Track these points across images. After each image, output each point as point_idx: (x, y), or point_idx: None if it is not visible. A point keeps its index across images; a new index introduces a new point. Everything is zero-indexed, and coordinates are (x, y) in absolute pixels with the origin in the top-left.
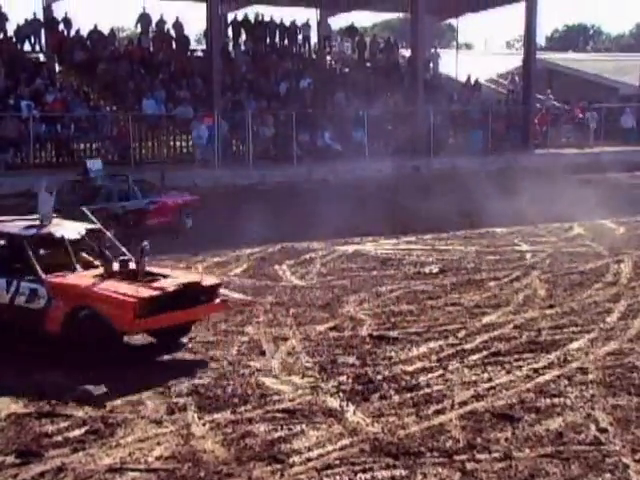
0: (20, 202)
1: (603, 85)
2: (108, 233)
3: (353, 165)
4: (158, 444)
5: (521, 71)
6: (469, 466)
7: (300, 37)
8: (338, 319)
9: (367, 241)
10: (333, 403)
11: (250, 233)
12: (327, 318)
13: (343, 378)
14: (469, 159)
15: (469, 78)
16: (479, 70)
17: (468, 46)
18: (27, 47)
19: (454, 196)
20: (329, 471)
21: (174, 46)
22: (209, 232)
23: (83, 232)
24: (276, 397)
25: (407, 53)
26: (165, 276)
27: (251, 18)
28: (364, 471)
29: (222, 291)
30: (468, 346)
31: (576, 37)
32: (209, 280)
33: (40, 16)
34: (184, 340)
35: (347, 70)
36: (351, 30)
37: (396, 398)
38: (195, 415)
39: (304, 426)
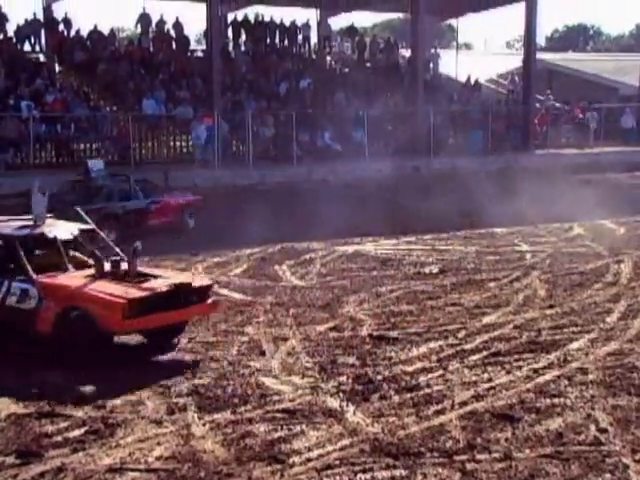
0: (20, 202)
1: (603, 85)
2: (102, 233)
3: (353, 165)
4: (158, 444)
5: (521, 71)
6: (469, 466)
7: (300, 37)
8: (338, 319)
9: (367, 241)
10: (333, 403)
11: (250, 233)
12: (327, 318)
13: (343, 378)
14: (469, 159)
15: (469, 78)
16: (479, 70)
17: (468, 46)
18: (27, 47)
19: (454, 196)
20: (329, 471)
21: (174, 46)
22: (209, 232)
23: (76, 232)
24: (276, 397)
25: (407, 53)
26: (157, 277)
27: (251, 18)
28: (364, 471)
29: (222, 291)
30: (468, 346)
31: (576, 37)
32: (200, 281)
33: (40, 16)
34: (176, 341)
35: (347, 70)
36: (351, 30)
37: (396, 398)
38: (195, 415)
39: (304, 426)
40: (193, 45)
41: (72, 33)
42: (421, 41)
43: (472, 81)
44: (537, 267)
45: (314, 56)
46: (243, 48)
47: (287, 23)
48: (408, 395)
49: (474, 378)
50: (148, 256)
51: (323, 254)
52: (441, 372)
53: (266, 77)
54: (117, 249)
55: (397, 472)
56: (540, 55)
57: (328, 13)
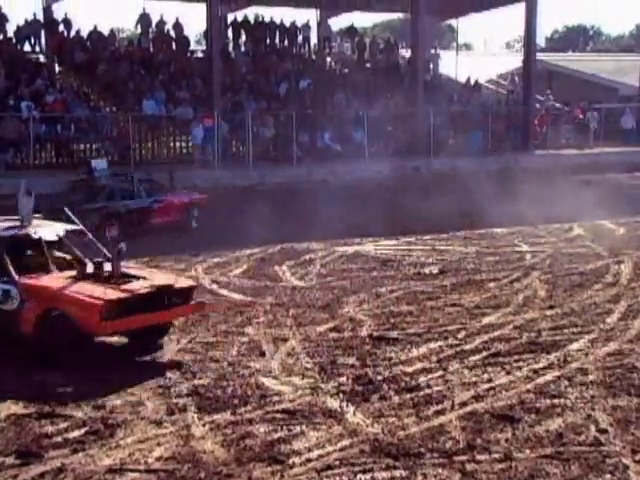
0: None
1: (603, 86)
2: (89, 234)
3: (353, 166)
4: (158, 445)
5: (521, 72)
6: (469, 467)
7: (300, 38)
8: (338, 320)
9: (367, 242)
10: (333, 404)
11: (250, 234)
12: (327, 319)
13: (343, 379)
14: (469, 160)
15: (469, 79)
16: (479, 71)
17: (468, 47)
18: (27, 48)
19: (454, 197)
20: (329, 472)
21: (174, 47)
22: (209, 233)
23: (62, 233)
24: (276, 398)
25: (407, 54)
26: (139, 278)
27: (251, 19)
28: (364, 472)
29: (222, 292)
30: (468, 347)
31: (576, 38)
32: (183, 282)
33: (40, 17)
34: (175, 340)
35: (347, 71)
36: (351, 31)
37: (396, 399)
38: (195, 416)
39: (304, 427)
40: (193, 45)
41: (72, 33)
42: (421, 41)
43: (472, 81)
44: (537, 267)
45: (314, 57)
46: (243, 48)
47: (287, 24)
48: (408, 396)
49: (474, 379)
50: (148, 256)
51: (323, 255)
52: (441, 373)
53: (266, 77)
54: (104, 250)
55: (397, 472)
56: (540, 56)
57: (328, 13)
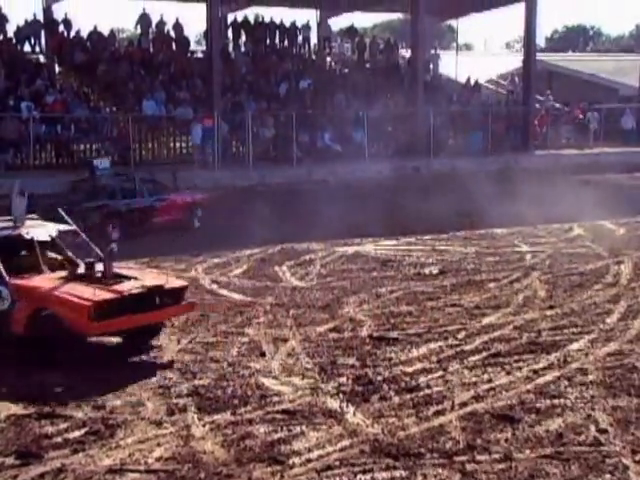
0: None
1: (603, 86)
2: (83, 234)
3: (353, 166)
4: (158, 445)
5: (521, 72)
6: (469, 467)
7: (300, 38)
8: (338, 320)
9: (367, 242)
10: (333, 404)
11: (250, 234)
12: (327, 319)
13: (343, 379)
14: (469, 160)
15: (469, 79)
16: (479, 71)
17: (468, 47)
18: (27, 48)
19: (454, 197)
20: (329, 472)
21: (174, 47)
22: (209, 233)
23: (54, 234)
24: (276, 398)
25: (407, 54)
26: (131, 278)
27: (251, 19)
28: (364, 472)
29: (222, 292)
30: (468, 347)
31: (576, 38)
32: (174, 283)
33: (40, 17)
34: (153, 342)
35: (347, 71)
36: (351, 31)
37: (396, 399)
38: (195, 416)
39: (304, 427)
40: (193, 46)
41: (72, 34)
42: (421, 42)
43: (472, 82)
44: (537, 268)
45: (314, 57)
46: (243, 49)
47: (287, 24)
48: (408, 396)
49: (474, 379)
50: (148, 256)
51: (323, 255)
52: (441, 373)
53: (266, 78)
54: (97, 250)
55: (397, 473)
56: (540, 56)
57: (328, 14)
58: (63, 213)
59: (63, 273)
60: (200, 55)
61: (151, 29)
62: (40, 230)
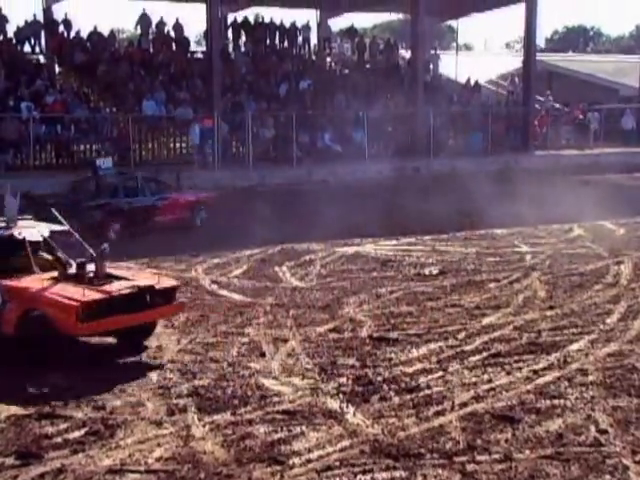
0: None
1: (603, 86)
2: (76, 234)
3: (353, 166)
4: (158, 445)
5: (521, 72)
6: (469, 467)
7: (300, 38)
8: (338, 320)
9: (367, 242)
10: (333, 404)
11: (250, 234)
12: (327, 319)
13: (343, 379)
14: (469, 160)
15: (469, 79)
16: (479, 71)
17: (468, 47)
18: (27, 48)
19: (454, 197)
20: (329, 472)
21: (174, 47)
22: (210, 233)
23: (46, 234)
24: (276, 398)
25: (407, 54)
26: (122, 278)
27: (251, 19)
28: (364, 472)
29: (222, 292)
30: (468, 347)
31: (576, 38)
32: (165, 282)
33: (40, 18)
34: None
35: (347, 71)
36: (351, 31)
37: (396, 399)
38: (195, 416)
39: (304, 427)
40: (193, 46)
41: (72, 34)
42: (421, 42)
43: (472, 82)
44: (537, 268)
45: (314, 57)
46: (243, 49)
47: (287, 24)
48: (408, 396)
49: (474, 379)
50: (148, 256)
51: (323, 255)
52: (441, 373)
53: (266, 78)
54: (91, 250)
55: (397, 473)
56: (540, 56)
57: (328, 14)
58: (56, 213)
59: (54, 274)
60: (200, 55)
61: (151, 29)
62: (32, 230)
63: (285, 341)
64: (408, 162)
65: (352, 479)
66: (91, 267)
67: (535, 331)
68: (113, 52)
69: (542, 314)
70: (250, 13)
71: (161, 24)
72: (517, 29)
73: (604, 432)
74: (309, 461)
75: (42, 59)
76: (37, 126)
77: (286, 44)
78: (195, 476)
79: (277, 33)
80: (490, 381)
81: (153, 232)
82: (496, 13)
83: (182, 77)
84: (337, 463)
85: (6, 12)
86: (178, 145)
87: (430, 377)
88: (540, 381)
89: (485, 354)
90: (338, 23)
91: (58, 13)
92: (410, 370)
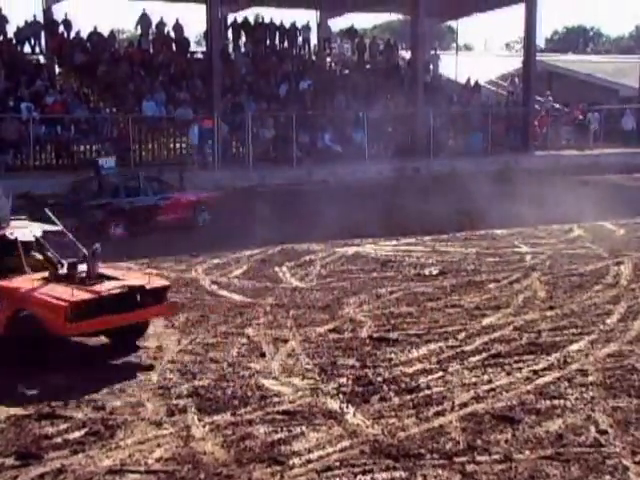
0: (20, 204)
1: (603, 87)
2: (69, 235)
3: (353, 167)
4: (158, 446)
5: (521, 73)
6: (469, 468)
7: (300, 39)
8: (338, 321)
9: (367, 243)
10: (333, 405)
11: (250, 235)
12: (327, 320)
13: (343, 380)
14: (469, 161)
15: (469, 80)
16: (479, 72)
17: (468, 47)
18: (27, 49)
19: (454, 198)
20: (329, 473)
21: (174, 48)
22: (209, 233)
23: (39, 234)
24: (276, 399)
25: (407, 55)
26: (112, 278)
27: (251, 20)
28: (364, 473)
29: (222, 292)
30: (468, 348)
31: (576, 39)
32: (156, 282)
33: (40, 18)
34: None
35: (347, 72)
36: (351, 32)
37: (396, 400)
38: (195, 417)
39: (304, 428)
40: (193, 47)
41: (72, 35)
42: (421, 43)
43: (472, 83)
44: (537, 268)
45: (314, 58)
46: (243, 50)
47: (287, 25)
48: (408, 397)
49: (474, 380)
50: (148, 257)
51: (323, 255)
52: (441, 374)
53: (266, 79)
54: (84, 250)
55: (397, 474)
56: (540, 57)
57: (328, 15)
58: (50, 213)
59: (44, 274)
60: (200, 56)
61: (151, 30)
62: (24, 231)
63: (285, 341)
64: (408, 162)
65: (352, 479)
66: (83, 267)
67: (535, 331)
68: (113, 52)
69: (542, 314)
70: (250, 13)
71: (161, 24)
72: (517, 29)
73: (604, 433)
74: (309, 461)
75: (42, 59)
76: (37, 126)
77: (286, 44)
78: (195, 476)
79: (277, 33)
80: (490, 381)
81: (155, 232)
82: (496, 13)
83: (182, 77)
84: (337, 463)
85: (6, 12)
86: (178, 146)
87: (430, 377)
88: (540, 381)
89: (485, 354)
90: (338, 23)
91: (58, 13)
92: (410, 370)
